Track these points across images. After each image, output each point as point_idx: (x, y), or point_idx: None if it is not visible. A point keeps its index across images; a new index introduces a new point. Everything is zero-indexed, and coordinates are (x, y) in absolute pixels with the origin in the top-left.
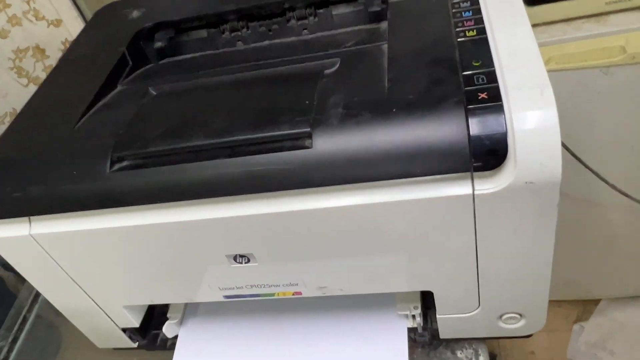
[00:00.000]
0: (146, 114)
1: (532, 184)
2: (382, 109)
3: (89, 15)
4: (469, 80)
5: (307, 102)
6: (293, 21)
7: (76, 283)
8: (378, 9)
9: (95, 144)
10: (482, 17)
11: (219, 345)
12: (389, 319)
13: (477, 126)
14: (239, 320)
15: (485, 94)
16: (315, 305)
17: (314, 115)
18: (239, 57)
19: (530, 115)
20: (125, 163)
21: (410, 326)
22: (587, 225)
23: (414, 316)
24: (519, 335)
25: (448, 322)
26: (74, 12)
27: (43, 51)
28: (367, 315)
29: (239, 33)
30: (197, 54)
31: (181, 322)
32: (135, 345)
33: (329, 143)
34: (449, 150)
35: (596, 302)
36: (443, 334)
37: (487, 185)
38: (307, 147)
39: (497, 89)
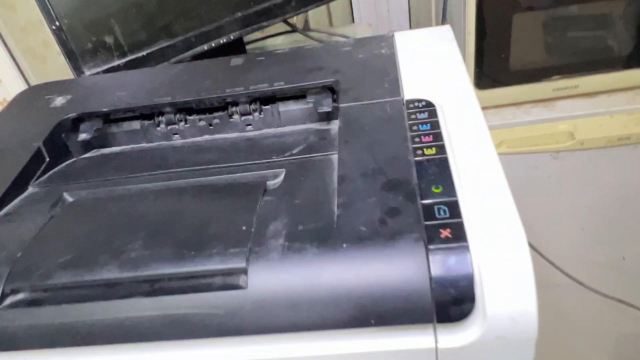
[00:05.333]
0: (53, 231)
1: (503, 339)
2: (330, 243)
3: (31, 76)
4: (429, 211)
5: (244, 227)
6: (236, 116)
7: None
8: (328, 109)
9: None
10: (440, 132)
11: None
12: None
13: (440, 271)
14: None
15: (448, 232)
16: None
17: (251, 246)
18: (174, 155)
19: (501, 262)
20: (19, 297)
21: None
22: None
23: None
24: None
25: None
26: (14, 72)
27: None
28: None
29: (176, 126)
30: (127, 147)
31: None
32: None
33: (267, 283)
34: (407, 299)
35: None
36: None
37: (452, 338)
38: (242, 287)
39: (462, 225)
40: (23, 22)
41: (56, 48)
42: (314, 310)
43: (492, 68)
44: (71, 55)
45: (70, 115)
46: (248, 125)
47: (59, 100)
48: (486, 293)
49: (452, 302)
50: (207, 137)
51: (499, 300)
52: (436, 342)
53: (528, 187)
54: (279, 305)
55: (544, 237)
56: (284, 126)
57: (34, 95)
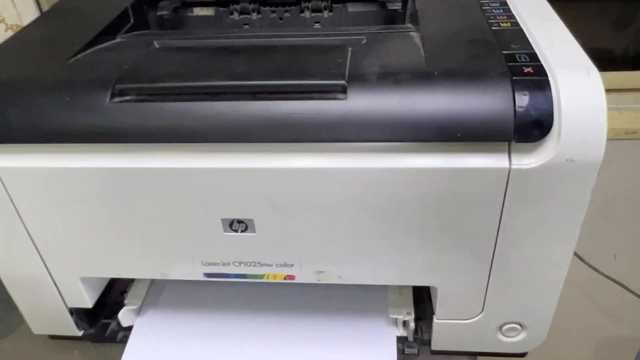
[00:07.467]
0: (155, 56)
1: (572, 162)
2: (421, 71)
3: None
4: (511, 57)
5: (339, 60)
6: (307, 12)
7: (31, 238)
8: (398, 7)
9: (94, 75)
10: (513, 14)
11: (181, 344)
12: (379, 325)
13: (523, 96)
14: (209, 314)
15: (530, 69)
16: (302, 301)
17: (349, 70)
18: (251, 31)
19: (578, 92)
20: (128, 97)
21: (400, 334)
22: None
23: (404, 323)
24: (516, 351)
25: (444, 329)
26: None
27: None
28: (356, 318)
29: (248, 16)
30: (200, 30)
31: (139, 311)
32: (80, 333)
33: (364, 98)
34: (492, 117)
35: None
36: (436, 345)
37: (526, 160)
38: (341, 99)
39: (542, 66)
40: None
41: None
42: (408, 123)
43: None
44: None
45: None
46: (316, 22)
47: None
48: (563, 118)
49: (532, 123)
50: (276, 31)
51: (573, 124)
52: (510, 162)
53: None
54: (374, 117)
55: None
56: (352, 26)
57: None
